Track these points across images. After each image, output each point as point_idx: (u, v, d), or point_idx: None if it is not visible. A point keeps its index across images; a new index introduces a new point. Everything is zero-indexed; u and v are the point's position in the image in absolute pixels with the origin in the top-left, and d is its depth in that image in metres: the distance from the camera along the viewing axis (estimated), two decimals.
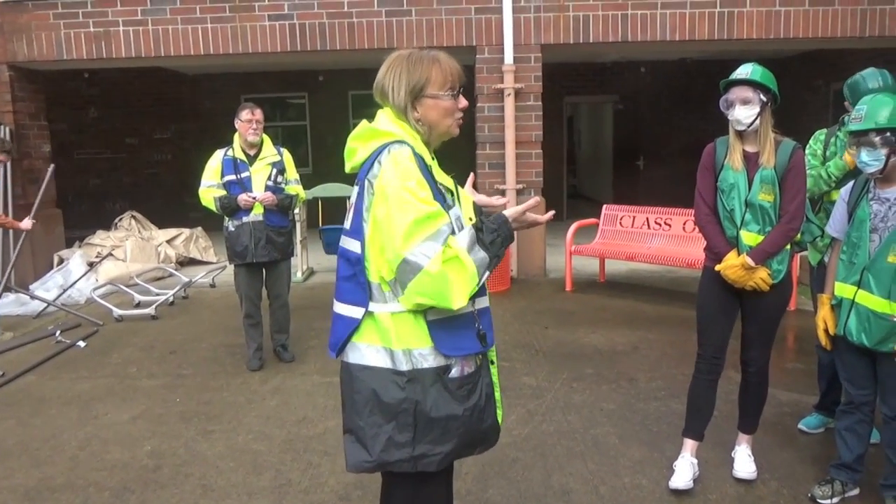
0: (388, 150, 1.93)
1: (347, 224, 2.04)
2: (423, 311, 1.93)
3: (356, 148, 2.04)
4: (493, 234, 1.94)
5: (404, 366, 1.94)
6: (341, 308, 2.04)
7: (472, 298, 1.96)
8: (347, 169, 2.10)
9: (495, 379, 2.13)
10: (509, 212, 2.02)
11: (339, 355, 2.06)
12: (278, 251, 5.17)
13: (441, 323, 1.95)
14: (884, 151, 2.83)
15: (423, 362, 1.94)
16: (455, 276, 1.85)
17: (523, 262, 8.16)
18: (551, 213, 2.25)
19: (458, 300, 1.86)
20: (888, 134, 2.82)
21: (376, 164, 1.93)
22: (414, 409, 1.94)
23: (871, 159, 2.86)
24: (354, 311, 1.99)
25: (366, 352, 1.98)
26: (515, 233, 2.04)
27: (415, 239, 1.83)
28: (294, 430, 4.14)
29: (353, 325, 1.99)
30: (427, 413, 1.94)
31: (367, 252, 1.96)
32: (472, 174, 2.31)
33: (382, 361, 1.96)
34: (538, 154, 8.15)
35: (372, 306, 1.97)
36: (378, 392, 1.95)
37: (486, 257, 1.91)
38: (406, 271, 1.84)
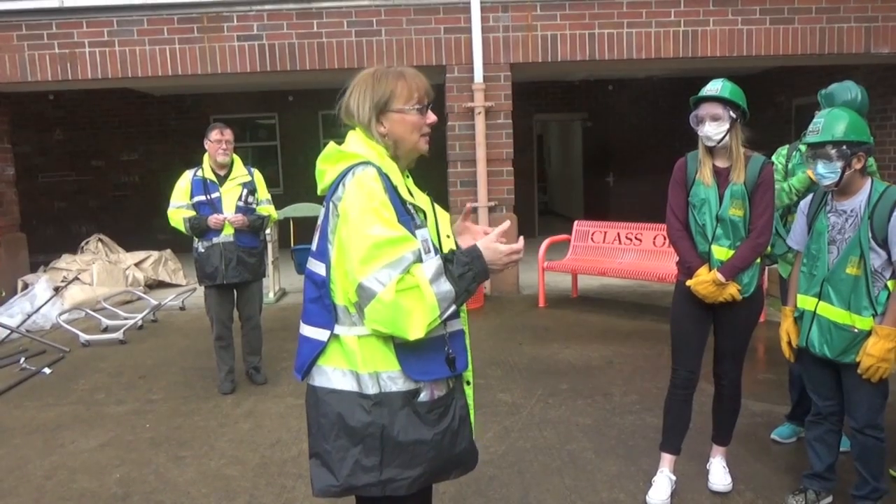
0: (352, 173, 1.91)
1: (314, 246, 2.02)
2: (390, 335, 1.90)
3: (325, 170, 2.03)
4: (463, 267, 1.86)
5: (371, 389, 1.90)
6: (307, 330, 2.01)
7: (445, 321, 1.90)
8: (319, 191, 2.08)
9: (470, 401, 2.09)
10: (482, 242, 1.93)
11: (304, 378, 2.02)
12: (249, 272, 5.11)
13: (409, 346, 1.88)
14: (839, 164, 2.86)
15: (392, 385, 1.90)
16: (412, 306, 1.80)
17: (496, 280, 8.17)
18: (521, 240, 2.00)
19: (414, 331, 1.81)
20: (844, 147, 2.85)
21: (341, 186, 1.92)
22: (381, 434, 1.90)
23: (826, 172, 2.89)
24: (320, 334, 1.97)
25: (331, 375, 1.95)
26: (491, 270, 1.93)
27: (372, 264, 1.80)
28: (267, 453, 4.07)
29: (319, 348, 1.96)
30: (394, 437, 1.90)
31: (333, 274, 1.93)
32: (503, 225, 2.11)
33: (348, 385, 1.92)
34: (509, 171, 8.20)
35: (338, 329, 1.94)
36: (344, 415, 1.92)
37: (451, 290, 1.83)
38: (362, 297, 1.82)
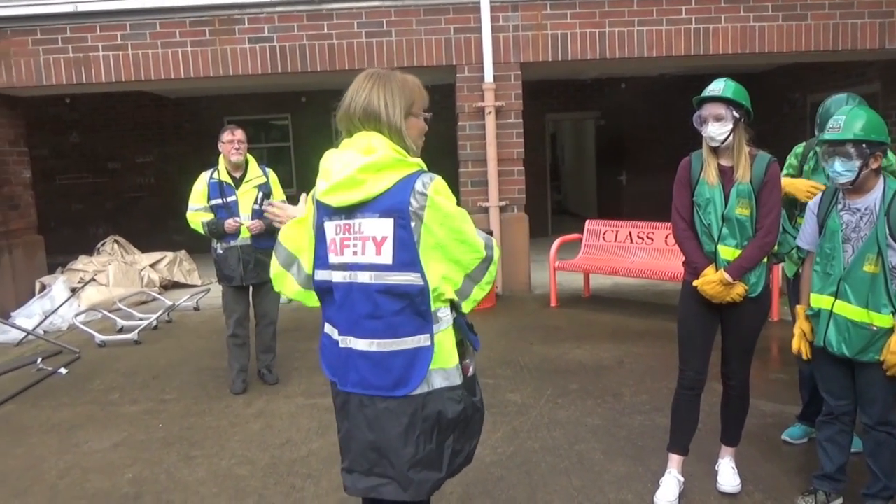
0: (423, 182, 1.97)
1: (388, 259, 1.99)
2: (457, 323, 2.09)
3: (365, 179, 1.98)
4: None
5: (458, 379, 2.07)
6: (396, 344, 2.02)
7: None
8: (353, 200, 2.00)
9: None
10: None
11: (415, 389, 2.04)
12: (267, 273, 5.11)
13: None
14: (858, 163, 2.86)
15: (470, 370, 2.13)
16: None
17: (508, 279, 8.17)
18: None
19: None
20: (863, 146, 2.85)
21: (417, 195, 1.96)
22: (468, 417, 2.11)
23: (844, 169, 2.89)
24: (418, 341, 2.03)
25: (429, 378, 2.05)
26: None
27: (480, 238, 2.09)
28: (277, 453, 4.11)
29: (429, 354, 2.03)
30: (472, 416, 2.14)
31: (431, 280, 2.00)
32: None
33: (439, 382, 2.05)
34: (520, 171, 8.19)
35: (435, 329, 2.04)
36: (443, 412, 2.05)
37: None
38: (483, 269, 2.10)
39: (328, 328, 2.20)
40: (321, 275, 2.15)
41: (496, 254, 2.14)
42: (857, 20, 7.74)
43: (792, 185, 3.65)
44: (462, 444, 2.14)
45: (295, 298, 2.30)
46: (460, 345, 2.11)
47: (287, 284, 2.29)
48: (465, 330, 2.12)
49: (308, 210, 2.22)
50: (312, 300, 2.26)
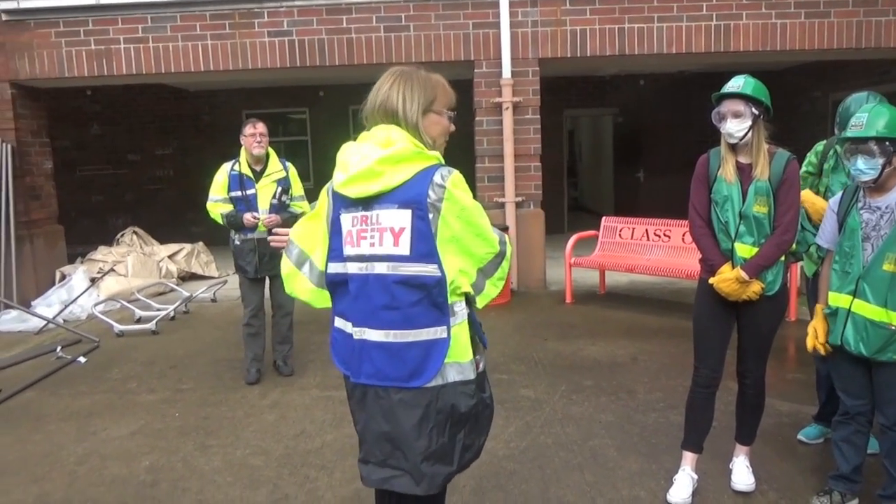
0: (442, 175, 1.99)
1: (405, 250, 2.00)
2: (470, 318, 2.10)
3: (383, 171, 1.99)
4: None
5: (472, 374, 2.09)
6: (413, 335, 2.03)
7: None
8: (372, 191, 2.01)
9: None
10: None
11: (430, 381, 2.05)
12: None
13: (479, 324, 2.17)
14: (881, 160, 2.84)
15: (480, 365, 2.14)
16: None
17: (523, 275, 8.17)
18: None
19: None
20: (887, 143, 2.83)
21: (436, 187, 1.97)
22: (479, 411, 2.13)
23: (867, 167, 2.87)
24: (436, 333, 2.03)
25: (443, 371, 2.05)
26: None
27: (494, 233, 2.12)
28: (292, 444, 4.14)
29: (444, 346, 2.03)
30: (482, 412, 2.16)
31: (447, 272, 2.01)
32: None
33: (453, 376, 2.06)
34: (537, 167, 8.18)
35: (451, 322, 2.04)
36: (456, 405, 2.07)
37: None
38: (495, 264, 2.12)
39: (340, 322, 2.20)
40: (334, 267, 2.15)
41: (509, 250, 2.17)
42: (881, 18, 7.64)
43: (810, 202, 3.60)
44: (472, 440, 2.15)
45: (306, 300, 2.28)
46: (471, 341, 2.11)
47: (299, 284, 2.29)
48: (476, 326, 2.13)
49: (322, 203, 2.22)
50: (323, 300, 2.26)
